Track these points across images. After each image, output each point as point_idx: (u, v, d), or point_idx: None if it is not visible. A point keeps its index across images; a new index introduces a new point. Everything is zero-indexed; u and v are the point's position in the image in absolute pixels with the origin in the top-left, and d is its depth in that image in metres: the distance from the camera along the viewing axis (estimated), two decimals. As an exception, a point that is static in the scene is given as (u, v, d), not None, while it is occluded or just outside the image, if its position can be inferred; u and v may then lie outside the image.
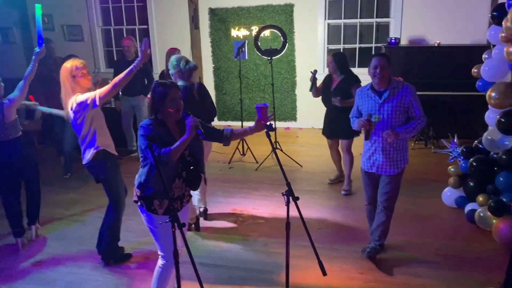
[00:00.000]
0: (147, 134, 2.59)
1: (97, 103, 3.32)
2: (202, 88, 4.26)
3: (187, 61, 4.02)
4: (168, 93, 2.66)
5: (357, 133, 4.83)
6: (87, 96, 3.34)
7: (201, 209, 4.49)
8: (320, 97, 5.10)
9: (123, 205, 3.71)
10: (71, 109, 3.37)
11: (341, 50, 7.58)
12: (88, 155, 3.47)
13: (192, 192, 4.38)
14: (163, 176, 2.43)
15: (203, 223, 4.43)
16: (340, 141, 5.06)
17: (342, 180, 5.24)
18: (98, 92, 3.34)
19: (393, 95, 3.38)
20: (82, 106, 3.34)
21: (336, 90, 4.81)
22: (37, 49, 3.76)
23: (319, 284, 3.39)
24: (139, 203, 2.79)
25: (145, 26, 8.22)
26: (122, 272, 3.68)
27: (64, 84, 3.41)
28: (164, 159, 2.58)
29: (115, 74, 6.17)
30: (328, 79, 5.01)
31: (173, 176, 2.74)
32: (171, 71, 4.05)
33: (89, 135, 3.44)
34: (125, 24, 8.37)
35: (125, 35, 8.20)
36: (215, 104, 8.00)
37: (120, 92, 6.21)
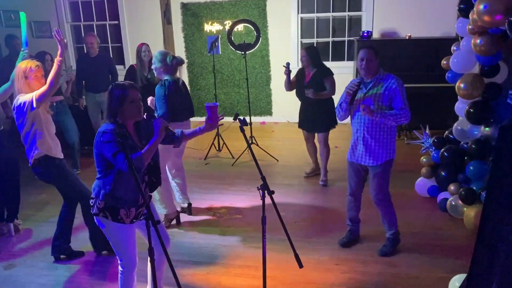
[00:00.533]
0: (115, 140, 2.45)
1: (34, 105, 3.30)
2: (184, 83, 4.27)
3: (174, 56, 4.02)
4: (127, 95, 2.54)
5: (333, 125, 4.98)
6: (25, 99, 3.32)
7: (184, 205, 4.51)
8: (294, 91, 5.13)
9: (76, 204, 3.76)
10: (13, 108, 3.38)
11: (315, 44, 7.63)
12: (30, 158, 3.48)
13: (176, 189, 4.41)
14: (130, 183, 2.40)
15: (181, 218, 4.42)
16: (317, 134, 5.15)
17: (318, 174, 5.32)
18: (34, 94, 3.30)
19: (377, 85, 3.41)
20: (20, 109, 3.34)
21: (309, 83, 4.86)
22: (24, 54, 3.85)
23: (296, 277, 3.42)
24: (101, 215, 2.62)
25: (116, 22, 8.07)
26: (100, 273, 3.62)
27: (15, 82, 3.41)
28: (137, 165, 2.47)
29: (80, 72, 6.05)
30: (300, 73, 5.05)
31: (140, 181, 2.60)
32: (155, 65, 4.03)
33: (29, 136, 3.43)
34: (95, 20, 8.20)
35: (95, 32, 8.05)
36: (189, 100, 8.05)
37: (84, 89, 6.11)
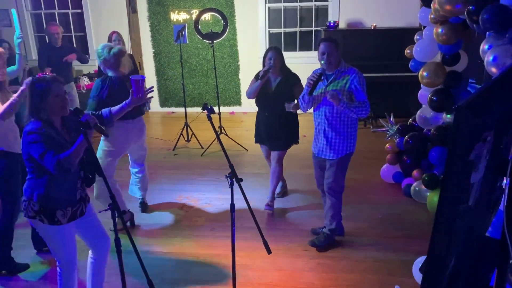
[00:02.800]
0: (42, 140, 2.34)
1: None
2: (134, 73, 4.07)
3: (110, 48, 3.72)
4: (50, 89, 2.40)
5: (297, 140, 4.32)
6: None
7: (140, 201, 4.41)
8: (254, 98, 4.20)
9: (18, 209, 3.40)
10: None
11: (282, 34, 7.65)
12: None
13: (137, 185, 4.30)
14: (65, 182, 2.33)
15: (150, 209, 4.39)
16: (274, 152, 4.25)
17: (286, 191, 4.75)
18: None
19: (339, 78, 3.39)
20: None
21: (276, 92, 4.07)
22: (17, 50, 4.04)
23: (265, 264, 3.46)
24: (37, 218, 2.50)
25: (79, 10, 7.83)
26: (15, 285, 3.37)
27: None
28: (66, 165, 2.34)
29: (43, 63, 5.84)
30: (266, 75, 4.06)
31: (75, 179, 2.54)
32: (98, 61, 3.78)
33: None
34: (57, 8, 7.93)
35: (57, 20, 7.79)
36: (156, 90, 7.92)
37: None
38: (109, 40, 5.40)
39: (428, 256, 1.11)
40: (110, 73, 3.76)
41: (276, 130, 4.14)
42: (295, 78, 4.13)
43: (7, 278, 3.42)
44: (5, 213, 3.38)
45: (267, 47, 7.68)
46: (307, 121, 6.11)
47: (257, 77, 4.06)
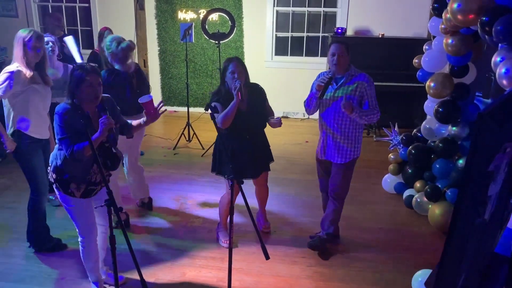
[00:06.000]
0: (62, 126, 2.55)
1: None
2: (139, 74, 3.94)
3: (119, 42, 3.69)
4: (85, 79, 2.56)
5: (272, 158, 3.74)
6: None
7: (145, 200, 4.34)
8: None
9: (44, 189, 3.49)
10: None
11: (289, 38, 7.60)
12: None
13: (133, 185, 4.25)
14: (79, 162, 2.49)
15: (145, 211, 4.31)
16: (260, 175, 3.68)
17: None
18: None
19: (348, 82, 3.33)
20: None
21: (250, 109, 3.43)
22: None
23: (262, 269, 3.40)
24: (55, 185, 2.75)
25: (87, 4, 7.78)
26: (55, 262, 3.47)
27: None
28: (77, 157, 2.54)
29: None
30: (226, 95, 3.36)
31: (90, 163, 2.70)
32: (106, 52, 3.80)
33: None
34: (64, 1, 7.89)
35: (64, 13, 7.76)
36: (160, 88, 7.87)
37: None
38: (101, 36, 5.30)
39: (439, 272, 1.05)
40: (117, 66, 3.76)
41: (258, 154, 3.55)
42: (260, 88, 3.56)
43: (48, 255, 3.55)
44: (32, 192, 3.47)
45: (274, 50, 7.67)
46: (310, 127, 6.09)
47: (217, 99, 3.34)
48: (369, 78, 3.37)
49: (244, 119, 3.36)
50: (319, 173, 3.72)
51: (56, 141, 2.67)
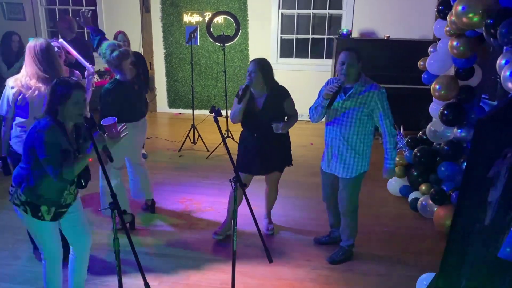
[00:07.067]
0: (48, 145, 2.32)
1: None
2: (138, 80, 3.87)
3: (113, 49, 3.58)
4: (71, 95, 2.37)
5: (290, 161, 3.83)
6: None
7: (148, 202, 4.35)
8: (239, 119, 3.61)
9: None
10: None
11: (294, 40, 7.61)
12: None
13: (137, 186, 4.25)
14: (56, 184, 2.34)
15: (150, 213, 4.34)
16: (270, 174, 3.79)
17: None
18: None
19: (358, 93, 3.15)
20: None
21: (264, 110, 3.55)
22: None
23: (266, 272, 3.39)
24: (21, 207, 2.50)
25: (93, 8, 7.85)
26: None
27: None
28: (66, 177, 2.38)
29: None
30: (249, 96, 3.54)
31: (66, 183, 2.52)
32: (103, 61, 3.70)
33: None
34: (71, 4, 7.95)
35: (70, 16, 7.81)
36: (165, 91, 7.90)
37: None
38: (115, 39, 5.34)
39: (439, 276, 1.04)
40: (117, 76, 3.70)
41: (268, 152, 3.62)
42: (284, 92, 3.63)
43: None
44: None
45: (279, 52, 7.68)
46: (314, 129, 6.08)
47: (238, 95, 3.52)
48: (380, 89, 3.18)
49: (256, 119, 3.55)
50: (322, 183, 3.60)
51: (24, 159, 2.48)
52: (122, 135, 2.63)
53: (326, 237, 3.80)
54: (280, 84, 3.68)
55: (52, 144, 2.33)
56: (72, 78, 2.53)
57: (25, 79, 3.06)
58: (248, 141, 3.66)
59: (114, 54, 3.55)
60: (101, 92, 3.65)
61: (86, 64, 4.06)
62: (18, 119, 3.17)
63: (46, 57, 3.05)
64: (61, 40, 4.55)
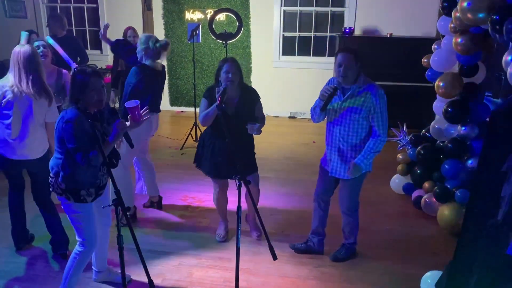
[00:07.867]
0: (75, 134, 2.47)
1: None
2: (163, 74, 4.04)
3: (158, 39, 3.80)
4: (88, 83, 2.52)
5: (256, 169, 3.65)
6: None
7: (154, 199, 4.35)
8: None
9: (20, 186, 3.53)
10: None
11: (296, 38, 7.58)
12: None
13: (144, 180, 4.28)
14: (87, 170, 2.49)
15: (153, 210, 4.32)
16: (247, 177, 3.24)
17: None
18: None
19: (356, 95, 3.09)
20: None
21: (237, 113, 3.41)
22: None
23: (269, 269, 3.38)
24: (63, 196, 2.66)
25: (95, 5, 7.83)
26: (63, 262, 3.47)
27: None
28: (93, 163, 2.52)
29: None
30: (213, 95, 3.35)
31: (100, 167, 2.70)
32: (138, 48, 3.84)
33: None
34: (72, 2, 7.94)
35: (72, 14, 7.81)
36: (167, 89, 7.88)
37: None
38: (124, 35, 5.38)
39: (450, 273, 1.03)
40: (147, 62, 3.81)
41: (241, 154, 3.21)
42: (255, 95, 3.52)
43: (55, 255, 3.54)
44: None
45: (281, 50, 7.65)
46: (317, 127, 6.02)
47: (208, 96, 3.41)
48: (379, 90, 3.09)
49: (229, 122, 3.20)
50: (318, 178, 3.51)
51: (57, 150, 2.63)
52: (143, 119, 2.76)
53: (303, 244, 3.65)
54: (254, 88, 3.62)
55: (79, 133, 2.47)
56: (89, 66, 2.76)
57: (9, 84, 3.11)
58: (217, 143, 3.47)
59: (162, 42, 3.78)
60: (130, 72, 3.77)
61: (71, 61, 4.22)
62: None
63: (27, 65, 3.09)
64: (47, 37, 4.57)
